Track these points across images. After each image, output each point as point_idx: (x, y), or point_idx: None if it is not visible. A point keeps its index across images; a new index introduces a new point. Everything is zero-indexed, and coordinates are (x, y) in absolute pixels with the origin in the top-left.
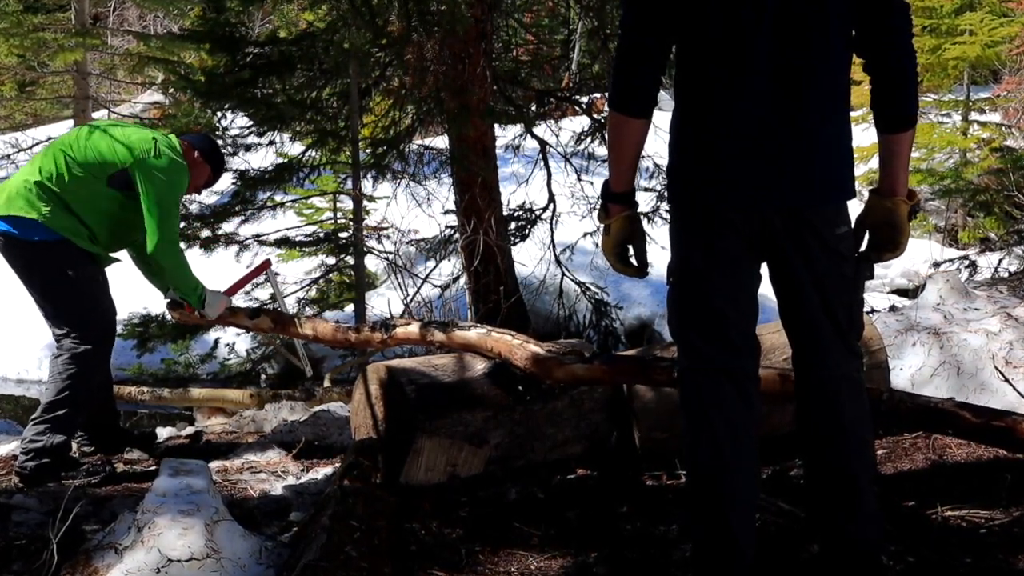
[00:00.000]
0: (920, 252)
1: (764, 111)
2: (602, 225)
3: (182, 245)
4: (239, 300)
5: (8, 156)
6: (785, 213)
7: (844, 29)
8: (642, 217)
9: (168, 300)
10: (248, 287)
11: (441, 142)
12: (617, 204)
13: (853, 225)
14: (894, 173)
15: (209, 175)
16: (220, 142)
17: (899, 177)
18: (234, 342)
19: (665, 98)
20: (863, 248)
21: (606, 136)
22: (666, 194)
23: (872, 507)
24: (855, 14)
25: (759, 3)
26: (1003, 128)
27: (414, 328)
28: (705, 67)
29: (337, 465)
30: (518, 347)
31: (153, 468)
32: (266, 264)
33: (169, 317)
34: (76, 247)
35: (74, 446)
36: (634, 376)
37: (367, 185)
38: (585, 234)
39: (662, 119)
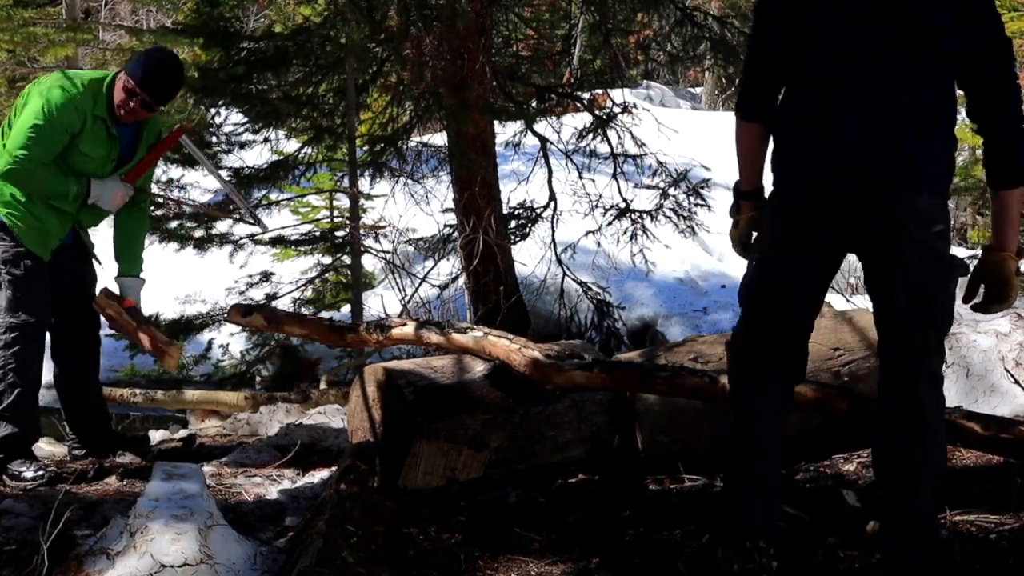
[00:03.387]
0: None
1: (861, 122)
2: (732, 218)
3: (174, 246)
4: (233, 300)
5: None
6: (878, 210)
7: (944, 66)
8: (644, 215)
9: (100, 292)
10: (243, 287)
11: (440, 139)
12: (747, 201)
13: (969, 275)
14: (1002, 228)
15: (126, 79)
16: (214, 139)
17: (1007, 233)
18: (228, 343)
19: (669, 94)
20: (977, 301)
21: (608, 133)
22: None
23: (930, 500)
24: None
25: (864, 30)
26: None
27: (410, 329)
28: (809, 81)
29: (334, 469)
30: (516, 351)
31: (146, 471)
32: (180, 130)
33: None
34: (8, 229)
35: (65, 449)
36: (634, 384)
37: (364, 183)
38: (587, 233)
39: (669, 117)
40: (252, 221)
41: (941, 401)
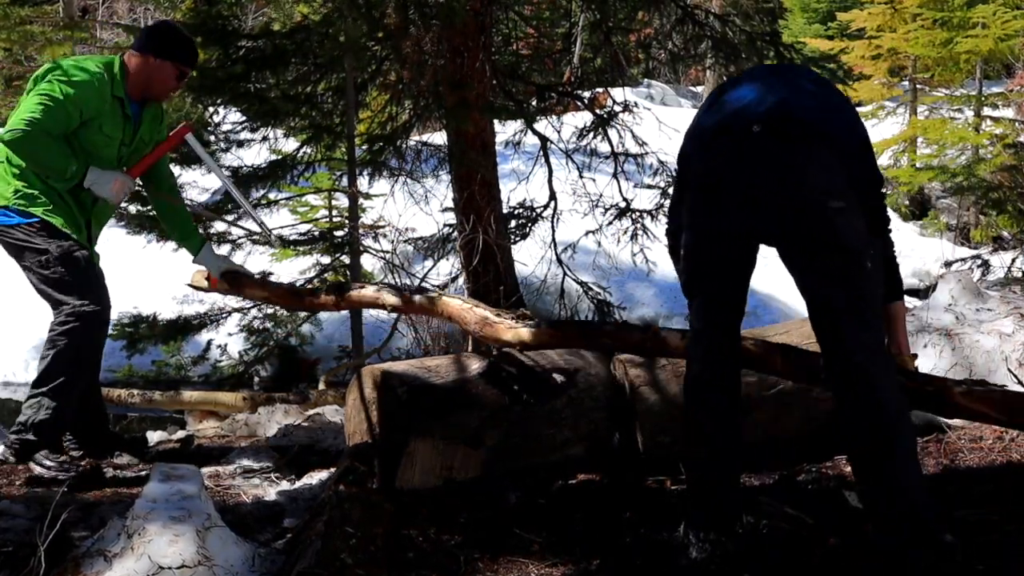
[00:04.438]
0: (932, 251)
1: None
2: None
3: (172, 243)
4: (231, 300)
5: None
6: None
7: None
8: (645, 215)
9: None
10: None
11: (439, 138)
12: None
13: None
14: (896, 335)
15: (174, 67)
16: (212, 138)
17: (900, 338)
18: (227, 343)
19: (670, 93)
20: None
21: (608, 132)
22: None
23: (929, 500)
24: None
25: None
26: (1016, 124)
27: (368, 291)
28: None
29: (332, 470)
30: (468, 310)
31: (143, 473)
32: (185, 129)
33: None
34: (53, 226)
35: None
36: (580, 340)
37: (363, 182)
38: (587, 232)
39: (670, 116)
40: (258, 225)
41: (888, 373)
